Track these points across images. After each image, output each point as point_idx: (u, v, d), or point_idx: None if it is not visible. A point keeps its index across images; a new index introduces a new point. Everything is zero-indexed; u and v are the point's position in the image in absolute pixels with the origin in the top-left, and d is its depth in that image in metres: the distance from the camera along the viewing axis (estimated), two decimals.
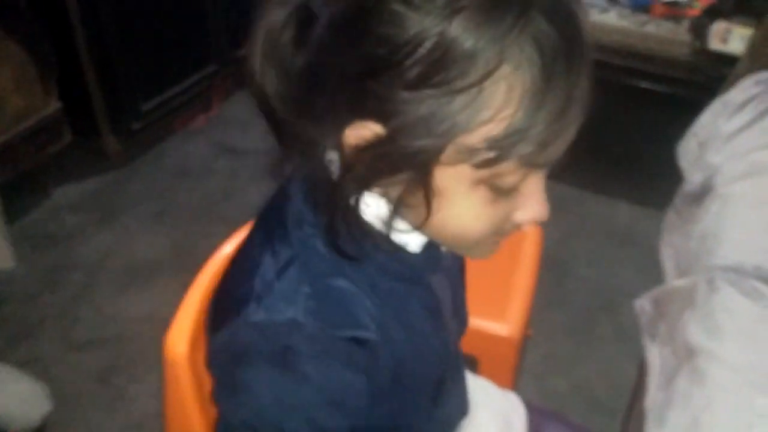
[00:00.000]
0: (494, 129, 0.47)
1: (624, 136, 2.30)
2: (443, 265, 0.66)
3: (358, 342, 0.56)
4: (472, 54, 0.45)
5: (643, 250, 1.66)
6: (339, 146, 0.52)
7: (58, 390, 1.61)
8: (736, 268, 1.00)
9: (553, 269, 1.90)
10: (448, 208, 0.52)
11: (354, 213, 0.55)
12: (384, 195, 0.56)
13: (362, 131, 0.50)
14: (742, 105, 1.36)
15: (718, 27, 1.80)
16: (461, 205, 0.52)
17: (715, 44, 1.81)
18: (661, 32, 1.96)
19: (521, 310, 1.27)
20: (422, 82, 0.46)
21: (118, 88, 2.11)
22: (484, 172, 0.49)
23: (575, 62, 0.48)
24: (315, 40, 0.52)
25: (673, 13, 2.00)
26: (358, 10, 0.48)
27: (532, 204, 0.54)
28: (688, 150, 1.41)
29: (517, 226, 0.56)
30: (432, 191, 0.51)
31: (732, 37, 1.77)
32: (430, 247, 0.61)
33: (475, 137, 0.48)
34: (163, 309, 0.83)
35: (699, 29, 1.87)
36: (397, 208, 0.53)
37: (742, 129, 1.30)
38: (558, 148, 0.50)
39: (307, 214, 0.58)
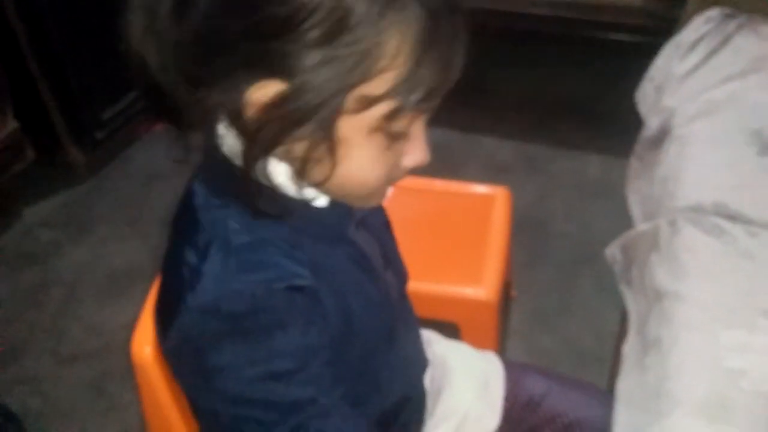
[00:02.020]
0: (390, 78, 0.52)
1: (588, 89, 2.31)
2: (360, 219, 0.70)
3: (297, 289, 0.58)
4: (367, 16, 0.50)
5: (618, 200, 1.67)
6: (240, 110, 0.54)
7: (53, 406, 1.62)
8: (696, 207, 1.01)
9: (531, 228, 1.91)
10: (349, 158, 0.57)
11: (261, 175, 0.58)
12: (287, 158, 0.58)
13: (265, 90, 0.53)
14: (694, 44, 1.36)
15: None
16: (360, 152, 0.57)
17: None
18: None
19: (496, 272, 1.28)
20: (323, 41, 0.50)
21: (74, 99, 2.07)
22: (381, 119, 0.55)
23: (454, 16, 0.54)
24: (200, 10, 0.53)
25: None
26: None
27: (417, 148, 0.60)
28: (646, 95, 1.41)
29: (405, 171, 0.62)
30: (335, 142, 0.55)
31: None
32: (338, 202, 0.64)
33: (374, 86, 0.52)
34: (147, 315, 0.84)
35: None
36: (304, 163, 0.57)
37: (694, 69, 1.30)
38: (440, 93, 0.56)
39: (212, 200, 0.60)
